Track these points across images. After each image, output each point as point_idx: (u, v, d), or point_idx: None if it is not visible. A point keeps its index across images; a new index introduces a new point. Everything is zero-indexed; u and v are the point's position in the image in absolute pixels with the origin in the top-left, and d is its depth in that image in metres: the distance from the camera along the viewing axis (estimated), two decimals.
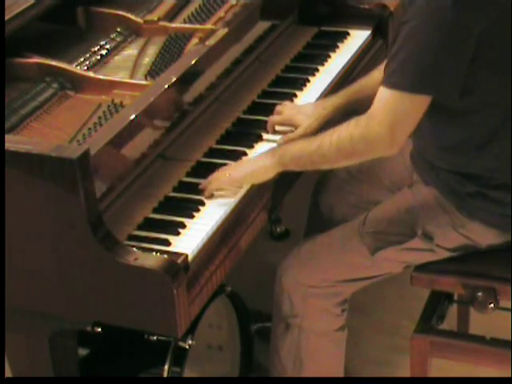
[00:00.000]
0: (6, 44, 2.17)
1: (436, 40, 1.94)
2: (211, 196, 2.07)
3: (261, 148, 2.24)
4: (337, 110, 2.33)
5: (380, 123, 2.00)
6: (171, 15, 2.51)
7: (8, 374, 2.18)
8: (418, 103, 2.00)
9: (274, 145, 2.24)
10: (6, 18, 2.18)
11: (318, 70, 2.59)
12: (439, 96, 2.01)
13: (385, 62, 2.05)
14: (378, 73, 2.23)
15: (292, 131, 2.30)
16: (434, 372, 2.30)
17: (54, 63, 2.23)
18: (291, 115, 2.32)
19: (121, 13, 2.47)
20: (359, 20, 2.80)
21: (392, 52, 2.01)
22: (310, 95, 2.48)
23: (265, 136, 2.30)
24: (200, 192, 2.09)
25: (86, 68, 2.27)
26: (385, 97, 2.01)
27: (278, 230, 3.24)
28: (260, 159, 2.13)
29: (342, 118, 2.18)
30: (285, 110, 2.34)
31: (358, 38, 2.76)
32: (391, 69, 2.00)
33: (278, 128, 2.32)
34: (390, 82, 1.99)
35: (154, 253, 1.88)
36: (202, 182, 2.10)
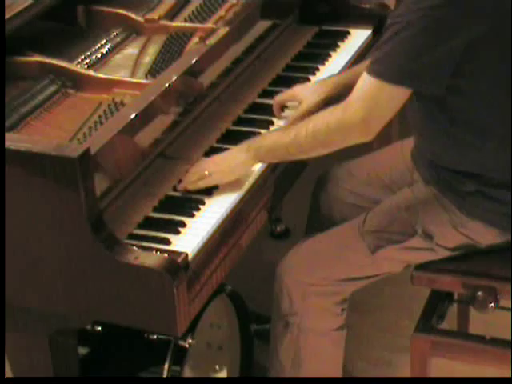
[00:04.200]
0: (7, 42, 2.17)
1: (422, 37, 1.96)
2: (185, 190, 2.09)
3: None
4: (339, 87, 2.35)
5: (356, 110, 2.02)
6: (172, 14, 2.51)
7: (8, 373, 2.18)
8: (396, 94, 2.01)
9: None
10: (7, 16, 2.18)
11: (318, 70, 2.59)
12: (418, 90, 2.02)
13: None
14: None
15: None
16: (434, 372, 2.30)
17: (54, 62, 2.23)
18: (294, 91, 2.36)
19: (121, 11, 2.47)
20: (360, 19, 2.80)
21: (380, 41, 2.03)
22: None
23: None
24: (200, 191, 2.09)
25: (86, 67, 2.27)
26: (365, 84, 2.03)
27: (279, 228, 3.24)
28: (235, 155, 2.14)
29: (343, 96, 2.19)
30: (287, 92, 2.38)
31: (358, 37, 2.76)
32: (375, 57, 2.02)
33: (284, 114, 2.35)
34: (372, 69, 2.01)
35: (155, 252, 1.88)
36: (183, 180, 2.11)
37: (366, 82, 2.02)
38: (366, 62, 2.27)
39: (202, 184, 2.10)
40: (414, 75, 1.99)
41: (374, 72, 2.00)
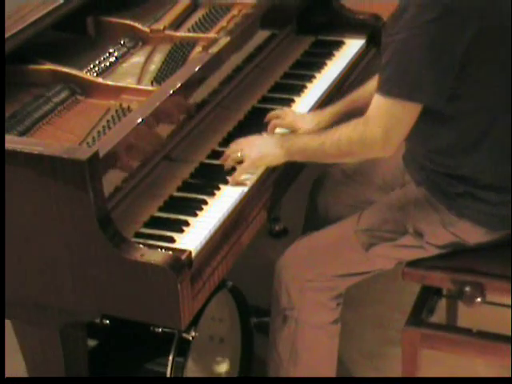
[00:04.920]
0: (20, 51, 2.18)
1: (422, 52, 1.96)
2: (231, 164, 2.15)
3: None
4: (334, 118, 2.34)
5: (376, 128, 2.03)
6: (176, 24, 2.51)
7: (21, 364, 2.17)
8: (409, 110, 2.02)
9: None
10: (21, 26, 2.18)
11: (315, 77, 2.59)
12: (428, 104, 2.02)
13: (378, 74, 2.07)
14: (371, 83, 2.25)
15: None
16: (424, 363, 2.29)
17: (65, 70, 2.23)
18: (292, 121, 2.34)
19: (128, 22, 2.47)
20: (354, 29, 2.80)
21: (384, 61, 2.02)
22: (308, 101, 2.48)
23: None
24: (203, 191, 2.09)
25: (95, 74, 2.27)
26: (379, 103, 2.03)
27: (277, 228, 3.24)
28: (270, 146, 2.16)
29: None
30: (286, 116, 2.35)
31: (352, 46, 2.76)
32: (384, 77, 2.02)
33: (277, 130, 2.33)
34: (383, 89, 2.02)
35: (160, 249, 1.87)
36: (226, 151, 2.17)
37: (380, 101, 2.02)
38: (368, 85, 2.30)
39: (232, 160, 2.15)
40: (421, 89, 1.99)
41: (386, 92, 2.01)
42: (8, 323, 2.10)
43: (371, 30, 2.79)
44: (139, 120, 2.01)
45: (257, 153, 2.15)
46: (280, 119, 2.35)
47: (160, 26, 2.47)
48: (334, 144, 2.09)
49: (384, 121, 2.02)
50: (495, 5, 2.00)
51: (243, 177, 2.13)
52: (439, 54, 1.96)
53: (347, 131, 2.08)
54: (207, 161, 2.21)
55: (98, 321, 2.16)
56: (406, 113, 2.02)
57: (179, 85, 2.14)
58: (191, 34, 2.46)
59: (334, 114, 2.35)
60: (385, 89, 2.01)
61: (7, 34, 2.14)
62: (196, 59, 2.27)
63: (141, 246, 1.86)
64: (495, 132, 2.10)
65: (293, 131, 2.33)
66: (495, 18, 2.00)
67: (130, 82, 2.25)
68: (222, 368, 2.34)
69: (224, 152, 2.20)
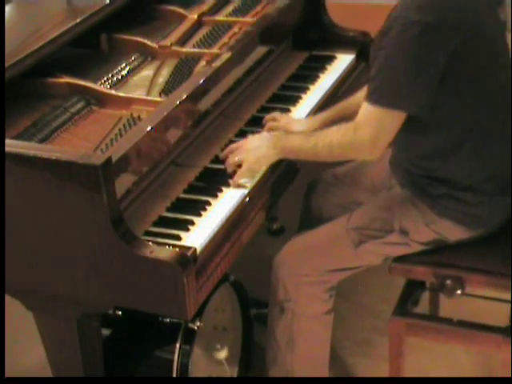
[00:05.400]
0: (40, 66, 2.18)
1: (406, 65, 1.97)
2: (232, 168, 2.14)
3: None
4: (326, 123, 2.33)
5: (364, 134, 2.04)
6: (182, 41, 2.51)
7: (41, 351, 2.17)
8: (395, 117, 2.02)
9: None
10: (42, 43, 2.18)
11: (309, 89, 2.59)
12: (412, 112, 2.02)
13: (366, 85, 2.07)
14: (360, 93, 2.25)
15: None
16: (409, 350, 2.30)
17: (81, 82, 2.23)
18: (287, 124, 2.34)
19: (139, 39, 2.47)
20: (345, 46, 2.80)
21: (372, 73, 2.03)
22: (303, 110, 2.48)
23: None
24: (207, 193, 2.09)
25: (108, 86, 2.28)
26: (368, 111, 2.04)
27: (275, 226, 3.23)
28: (264, 148, 2.15)
29: None
30: (282, 119, 2.36)
31: (343, 61, 2.76)
32: (372, 88, 2.03)
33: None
34: (371, 99, 2.02)
35: (167, 246, 1.88)
36: (224, 153, 2.18)
37: (369, 109, 2.03)
38: (357, 95, 2.30)
39: (232, 165, 2.15)
40: (407, 98, 1.99)
41: (374, 101, 2.02)
42: (29, 315, 2.10)
43: (360, 45, 2.79)
44: (148, 128, 2.01)
45: (253, 157, 2.14)
46: (276, 122, 2.35)
47: (167, 42, 2.47)
48: (326, 146, 2.10)
49: (372, 127, 2.03)
50: (474, 18, 2.00)
51: (242, 180, 2.13)
52: (421, 67, 1.96)
53: (338, 136, 2.09)
54: (211, 165, 2.21)
55: (111, 312, 2.16)
56: (391, 120, 2.03)
57: (185, 96, 2.14)
58: (196, 50, 2.46)
59: (325, 120, 2.34)
60: (373, 98, 2.02)
61: (29, 51, 2.15)
62: (200, 72, 2.28)
63: (150, 243, 1.86)
64: (472, 139, 2.10)
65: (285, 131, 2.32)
66: (474, 31, 2.00)
67: (140, 94, 2.25)
68: (221, 355, 2.34)
69: (226, 157, 2.21)
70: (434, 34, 1.94)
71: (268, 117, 2.37)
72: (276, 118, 2.37)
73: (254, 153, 2.15)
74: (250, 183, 2.13)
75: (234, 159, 2.15)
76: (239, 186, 2.12)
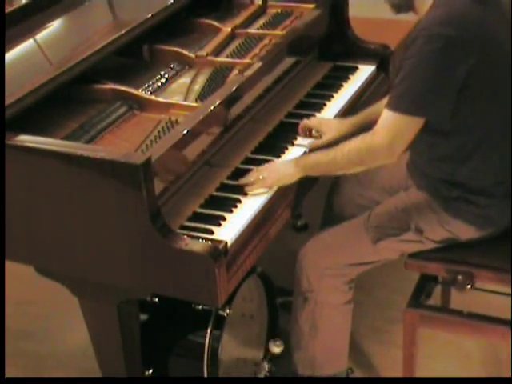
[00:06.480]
0: (87, 74, 2.18)
1: (428, 75, 1.95)
2: (249, 190, 2.07)
3: (286, 156, 2.25)
4: (354, 127, 2.33)
5: (382, 139, 2.01)
6: (217, 51, 2.50)
7: (84, 334, 2.17)
8: (413, 124, 2.00)
9: (296, 155, 2.24)
10: (89, 53, 2.19)
11: (333, 96, 2.57)
12: (431, 119, 2.00)
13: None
14: (384, 101, 2.22)
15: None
16: (422, 339, 2.28)
17: (124, 88, 2.23)
18: (320, 123, 2.34)
19: (177, 49, 2.47)
20: (366, 57, 2.78)
21: (396, 81, 2.01)
22: (327, 116, 2.46)
23: (289, 148, 2.29)
24: (238, 192, 2.08)
25: (149, 92, 2.27)
26: (387, 117, 2.01)
27: (299, 223, 3.22)
28: (286, 168, 2.13)
29: (356, 134, 2.17)
30: (315, 118, 2.36)
31: (365, 71, 2.74)
32: (393, 95, 2.01)
33: (299, 141, 2.31)
34: (392, 105, 2.00)
35: (201, 240, 1.87)
36: (242, 180, 2.10)
37: (388, 115, 2.01)
38: (383, 101, 2.28)
39: (256, 186, 2.08)
40: (426, 106, 1.97)
41: (394, 107, 1.99)
42: (75, 300, 2.10)
43: (380, 57, 2.77)
44: (185, 131, 2.01)
45: (275, 177, 2.09)
46: (309, 120, 2.34)
47: (203, 52, 2.46)
48: (345, 156, 2.07)
49: (389, 132, 2.01)
50: (493, 33, 1.98)
51: (257, 191, 2.08)
52: (442, 77, 1.94)
53: (356, 143, 2.07)
54: (241, 166, 2.20)
55: (148, 299, 2.16)
56: (409, 126, 2.00)
57: (219, 102, 2.14)
58: (229, 60, 2.45)
59: (353, 124, 2.34)
60: (393, 105, 2.00)
61: (78, 59, 2.16)
62: (233, 80, 2.27)
63: (185, 237, 1.86)
64: (486, 146, 2.08)
65: (317, 131, 2.32)
66: (493, 45, 1.98)
67: (177, 99, 2.25)
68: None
69: (256, 159, 2.20)
70: (455, 47, 1.92)
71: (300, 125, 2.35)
72: (307, 123, 2.35)
73: (276, 174, 2.11)
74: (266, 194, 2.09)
75: (257, 177, 2.10)
76: (251, 192, 2.08)
